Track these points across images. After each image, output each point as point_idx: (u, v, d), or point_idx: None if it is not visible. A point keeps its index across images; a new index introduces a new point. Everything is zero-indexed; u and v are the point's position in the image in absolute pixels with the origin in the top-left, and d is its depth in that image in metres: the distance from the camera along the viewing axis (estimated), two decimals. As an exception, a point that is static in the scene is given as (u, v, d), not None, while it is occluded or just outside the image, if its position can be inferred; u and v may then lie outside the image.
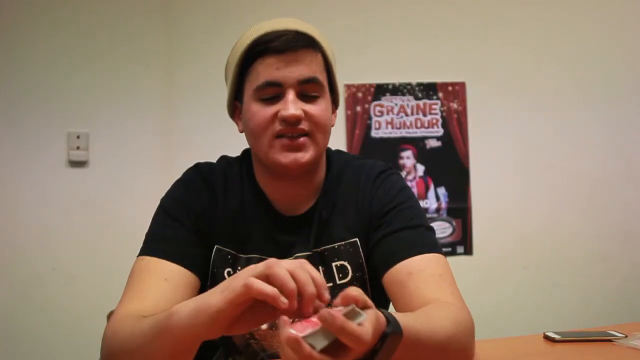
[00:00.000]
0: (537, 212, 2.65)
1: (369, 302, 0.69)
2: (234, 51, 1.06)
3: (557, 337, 1.00)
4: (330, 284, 1.05)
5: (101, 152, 2.41)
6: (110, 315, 1.29)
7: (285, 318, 0.66)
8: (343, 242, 1.07)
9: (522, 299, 2.60)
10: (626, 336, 1.00)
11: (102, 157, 2.41)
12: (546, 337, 1.02)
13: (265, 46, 0.99)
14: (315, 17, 2.42)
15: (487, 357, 1.00)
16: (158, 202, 1.10)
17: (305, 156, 1.01)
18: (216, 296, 0.72)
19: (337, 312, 0.62)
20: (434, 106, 2.64)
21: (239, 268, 1.05)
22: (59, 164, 2.36)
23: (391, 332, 0.68)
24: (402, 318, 0.72)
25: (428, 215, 2.60)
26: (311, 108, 1.01)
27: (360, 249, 1.06)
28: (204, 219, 1.06)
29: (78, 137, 2.37)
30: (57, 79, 2.36)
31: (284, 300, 0.68)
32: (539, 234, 2.64)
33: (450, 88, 2.65)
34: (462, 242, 2.62)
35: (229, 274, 1.05)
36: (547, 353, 0.97)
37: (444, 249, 2.58)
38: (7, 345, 2.24)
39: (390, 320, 0.69)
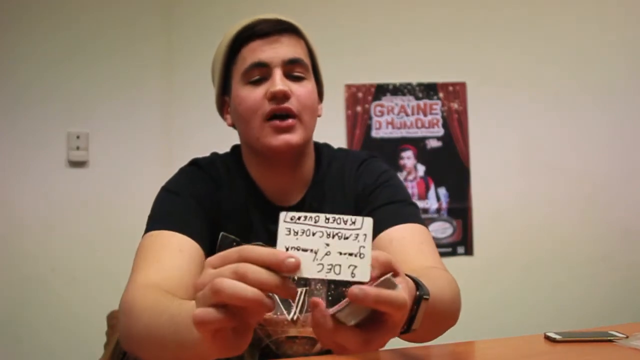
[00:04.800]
0: (538, 212, 2.65)
1: (398, 266, 0.65)
2: (218, 50, 1.12)
3: (557, 337, 1.00)
4: None
5: (101, 152, 2.41)
6: (109, 316, 1.29)
7: (315, 299, 0.62)
8: None
9: (523, 299, 2.60)
10: (627, 336, 1.00)
11: (102, 157, 2.41)
12: (547, 338, 1.02)
13: (251, 31, 1.04)
14: (316, 17, 2.43)
15: (488, 356, 0.99)
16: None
17: (294, 137, 1.03)
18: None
19: (370, 285, 0.59)
20: (434, 106, 2.64)
21: None
22: (58, 164, 2.36)
23: (423, 295, 0.69)
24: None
25: (428, 216, 2.60)
26: (298, 88, 1.04)
27: None
28: (208, 203, 1.07)
29: (78, 137, 2.37)
30: (57, 79, 2.36)
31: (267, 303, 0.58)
32: (539, 234, 2.64)
33: (450, 88, 2.65)
34: (463, 243, 2.62)
35: None
36: (548, 353, 0.97)
37: (445, 249, 2.58)
38: (8, 345, 2.24)
39: (419, 283, 0.70)
